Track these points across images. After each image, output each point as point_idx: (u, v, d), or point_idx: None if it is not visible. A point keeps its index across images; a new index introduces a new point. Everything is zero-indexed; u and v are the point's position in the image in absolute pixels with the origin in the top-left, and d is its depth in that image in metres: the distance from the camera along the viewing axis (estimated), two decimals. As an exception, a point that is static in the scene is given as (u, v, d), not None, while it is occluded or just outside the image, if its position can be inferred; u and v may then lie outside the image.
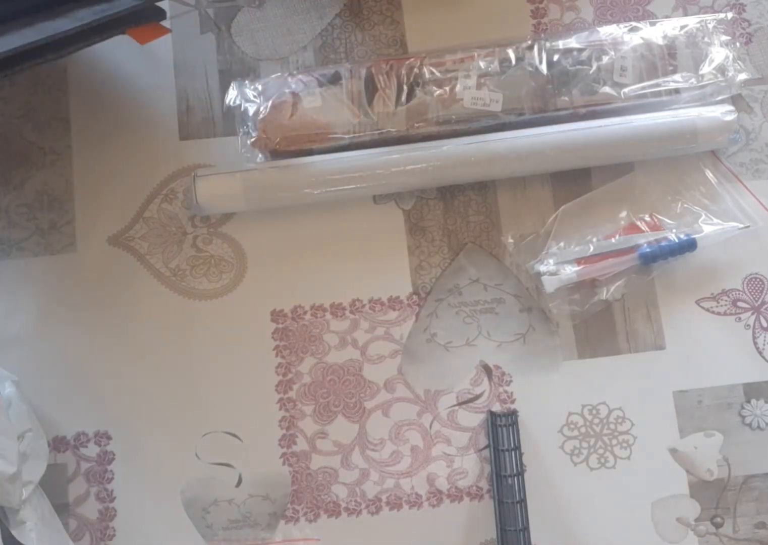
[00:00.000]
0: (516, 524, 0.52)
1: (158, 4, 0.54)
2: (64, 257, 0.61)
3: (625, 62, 0.59)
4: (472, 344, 0.60)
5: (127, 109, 0.63)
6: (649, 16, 0.64)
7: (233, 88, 0.60)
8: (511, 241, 0.61)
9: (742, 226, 0.59)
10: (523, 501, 0.53)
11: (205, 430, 0.59)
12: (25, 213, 0.62)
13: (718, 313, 0.60)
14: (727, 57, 0.60)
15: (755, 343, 0.59)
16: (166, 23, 0.56)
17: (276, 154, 0.59)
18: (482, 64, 0.59)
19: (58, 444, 0.59)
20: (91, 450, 0.59)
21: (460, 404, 0.59)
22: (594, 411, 0.59)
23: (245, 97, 0.60)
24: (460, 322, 0.60)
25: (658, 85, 0.59)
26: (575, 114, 0.59)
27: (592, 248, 0.59)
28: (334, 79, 0.60)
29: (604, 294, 0.59)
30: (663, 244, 0.58)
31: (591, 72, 0.59)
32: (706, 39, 0.60)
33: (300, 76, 0.60)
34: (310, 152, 0.59)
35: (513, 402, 0.59)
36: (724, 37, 0.61)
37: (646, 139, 0.58)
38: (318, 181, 0.58)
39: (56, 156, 0.62)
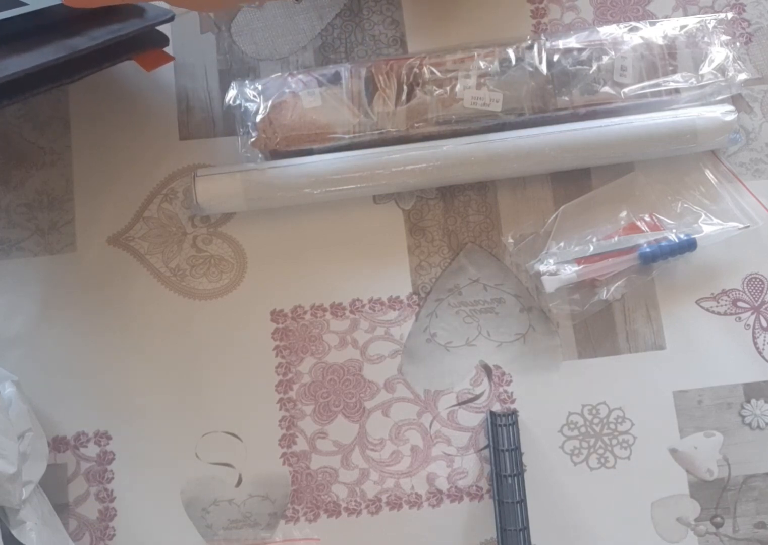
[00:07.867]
0: (516, 524, 0.52)
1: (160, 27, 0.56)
2: (64, 257, 0.61)
3: (625, 62, 0.59)
4: (472, 344, 0.60)
5: (127, 108, 0.63)
6: (649, 16, 0.64)
7: (233, 88, 0.60)
8: (511, 241, 0.61)
9: (742, 226, 0.59)
10: (523, 501, 0.53)
11: (205, 430, 0.59)
12: (25, 213, 0.62)
13: (718, 313, 0.60)
14: (727, 57, 0.60)
15: (755, 343, 0.59)
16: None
17: (276, 154, 0.59)
18: (482, 64, 0.59)
19: (58, 444, 0.59)
20: (91, 450, 0.59)
21: (460, 404, 0.59)
22: (594, 411, 0.59)
23: (245, 97, 0.60)
24: (460, 322, 0.60)
25: (658, 85, 0.59)
26: (575, 114, 0.59)
27: (592, 248, 0.59)
28: (334, 79, 0.60)
29: (604, 294, 0.59)
30: (663, 244, 0.58)
31: (591, 72, 0.59)
32: (706, 39, 0.60)
33: (300, 76, 0.60)
34: (310, 152, 0.59)
35: (513, 402, 0.59)
36: (724, 37, 0.61)
37: (646, 139, 0.58)
38: (318, 181, 0.58)
39: (56, 156, 0.62)
